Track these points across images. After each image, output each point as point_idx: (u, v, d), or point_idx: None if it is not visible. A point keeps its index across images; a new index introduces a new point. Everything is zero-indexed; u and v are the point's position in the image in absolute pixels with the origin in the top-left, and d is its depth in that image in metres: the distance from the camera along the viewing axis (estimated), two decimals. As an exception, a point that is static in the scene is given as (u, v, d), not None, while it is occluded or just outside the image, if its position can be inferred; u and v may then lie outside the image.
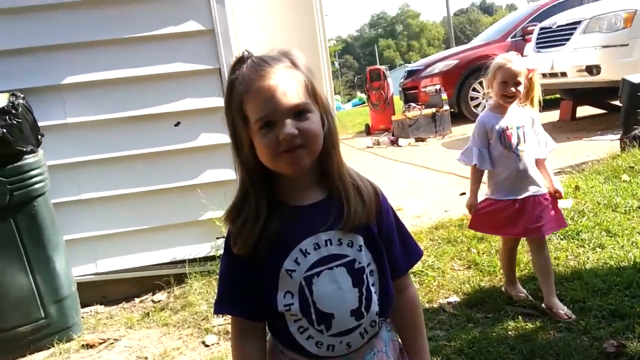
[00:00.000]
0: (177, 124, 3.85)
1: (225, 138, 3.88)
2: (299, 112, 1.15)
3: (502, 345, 2.54)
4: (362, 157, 8.58)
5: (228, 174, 3.90)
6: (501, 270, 3.21)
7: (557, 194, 2.79)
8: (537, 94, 2.78)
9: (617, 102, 7.99)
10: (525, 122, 2.74)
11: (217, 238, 3.91)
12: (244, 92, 1.15)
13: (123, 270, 3.89)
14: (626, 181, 4.29)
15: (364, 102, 22.63)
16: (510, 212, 2.75)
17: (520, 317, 2.76)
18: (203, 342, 3.10)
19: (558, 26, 7.63)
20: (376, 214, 1.26)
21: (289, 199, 1.22)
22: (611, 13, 6.79)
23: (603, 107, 8.44)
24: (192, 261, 3.89)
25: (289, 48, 1.23)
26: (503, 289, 3.06)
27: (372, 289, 1.24)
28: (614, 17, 6.69)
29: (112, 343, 3.24)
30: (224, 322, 3.27)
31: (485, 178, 2.87)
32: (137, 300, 3.85)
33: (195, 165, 3.88)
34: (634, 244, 3.30)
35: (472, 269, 3.41)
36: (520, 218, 2.73)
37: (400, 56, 78.34)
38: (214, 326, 3.24)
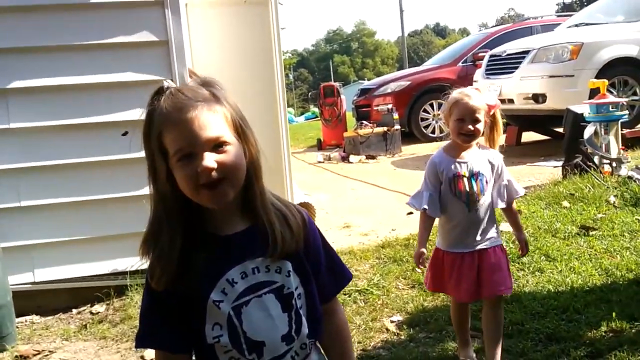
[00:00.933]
0: (125, 134, 3.78)
1: (173, 149, 3.85)
2: (217, 145, 1.14)
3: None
4: (312, 172, 8.61)
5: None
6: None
7: (521, 251, 2.58)
8: (500, 134, 2.48)
9: (560, 130, 8.32)
10: (483, 168, 2.40)
11: (162, 250, 3.85)
12: (162, 124, 1.14)
13: (61, 280, 3.77)
14: (566, 207, 4.44)
15: (317, 116, 22.71)
16: (458, 267, 2.41)
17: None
18: (142, 357, 3.03)
19: (507, 54, 7.87)
20: (304, 240, 1.26)
21: (213, 228, 1.21)
22: (558, 44, 7.06)
23: (547, 134, 8.73)
24: (134, 273, 3.79)
25: (211, 78, 1.24)
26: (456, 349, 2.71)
27: (301, 311, 1.24)
28: (561, 49, 6.95)
29: (47, 355, 3.13)
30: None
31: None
32: (74, 311, 3.73)
33: (142, 176, 3.78)
34: (572, 269, 3.41)
35: (416, 288, 3.45)
36: (468, 275, 2.38)
37: (354, 72, 79.20)
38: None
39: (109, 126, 3.74)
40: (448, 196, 2.40)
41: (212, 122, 1.14)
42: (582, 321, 2.81)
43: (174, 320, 1.17)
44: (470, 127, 2.33)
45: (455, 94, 2.40)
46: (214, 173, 1.12)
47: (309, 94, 34.01)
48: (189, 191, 1.14)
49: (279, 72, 4.52)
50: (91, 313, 3.65)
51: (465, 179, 2.38)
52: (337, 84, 12.09)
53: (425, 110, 9.92)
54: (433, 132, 9.90)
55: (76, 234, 3.77)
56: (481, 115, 2.34)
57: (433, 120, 9.92)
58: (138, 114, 3.76)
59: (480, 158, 2.42)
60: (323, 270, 1.30)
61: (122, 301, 3.66)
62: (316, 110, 24.24)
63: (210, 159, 1.12)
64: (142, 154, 3.80)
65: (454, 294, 2.50)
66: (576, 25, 8.17)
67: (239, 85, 4.39)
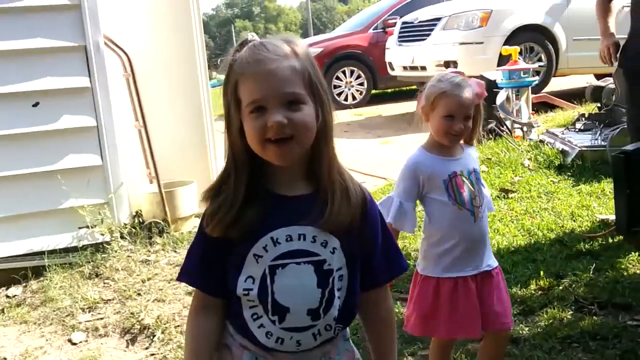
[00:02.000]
0: (36, 105, 3.54)
1: (91, 121, 3.64)
2: (291, 102, 1.12)
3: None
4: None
5: (92, 159, 3.66)
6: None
7: None
8: (480, 127, 2.01)
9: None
10: (476, 164, 1.99)
11: (80, 228, 3.67)
12: (240, 75, 1.14)
13: (-28, 263, 3.50)
14: (485, 172, 4.61)
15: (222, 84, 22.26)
16: (464, 294, 1.89)
17: (398, 302, 2.85)
18: (69, 340, 2.90)
19: (420, 21, 8.00)
20: (361, 220, 1.22)
21: (273, 187, 1.20)
22: (469, 12, 7.25)
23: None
24: (52, 253, 3.62)
25: (293, 36, 1.22)
26: None
27: (337, 293, 1.21)
28: (471, 16, 7.15)
29: (-39, 345, 2.90)
30: (91, 317, 3.06)
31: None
32: (-12, 295, 3.48)
33: (56, 149, 3.59)
34: (496, 231, 3.55)
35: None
36: (474, 304, 1.90)
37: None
38: (80, 322, 3.03)
39: (17, 97, 3.50)
40: (445, 208, 1.89)
41: (289, 78, 1.12)
42: (511, 280, 2.93)
43: (218, 265, 1.20)
44: (462, 125, 1.86)
45: (443, 83, 1.87)
46: (284, 129, 1.11)
47: (219, 61, 33.08)
48: (256, 144, 1.14)
49: (198, 32, 4.30)
50: (7, 296, 3.43)
51: (464, 178, 1.91)
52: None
53: (337, 78, 9.93)
54: (346, 99, 9.95)
55: (-15, 214, 3.50)
56: (472, 110, 1.89)
57: (346, 87, 9.96)
58: (49, 83, 3.55)
59: (468, 154, 1.98)
60: (377, 254, 1.26)
61: (40, 283, 3.46)
62: (221, 77, 23.76)
63: (282, 115, 1.11)
64: (56, 126, 3.55)
65: (450, 330, 1.92)
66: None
67: (158, 54, 4.17)
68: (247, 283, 1.18)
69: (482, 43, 7.01)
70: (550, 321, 2.55)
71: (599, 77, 7.52)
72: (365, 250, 1.24)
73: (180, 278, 1.27)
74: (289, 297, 1.18)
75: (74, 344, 2.86)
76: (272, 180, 1.20)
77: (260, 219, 1.16)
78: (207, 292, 1.24)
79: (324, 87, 1.19)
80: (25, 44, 3.46)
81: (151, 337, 2.82)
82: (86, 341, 2.88)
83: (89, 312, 3.13)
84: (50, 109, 3.55)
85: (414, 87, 9.59)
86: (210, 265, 1.21)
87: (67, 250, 3.65)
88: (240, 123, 1.16)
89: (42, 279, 3.48)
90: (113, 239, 3.67)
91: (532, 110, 5.89)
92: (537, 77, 6.06)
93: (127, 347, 2.82)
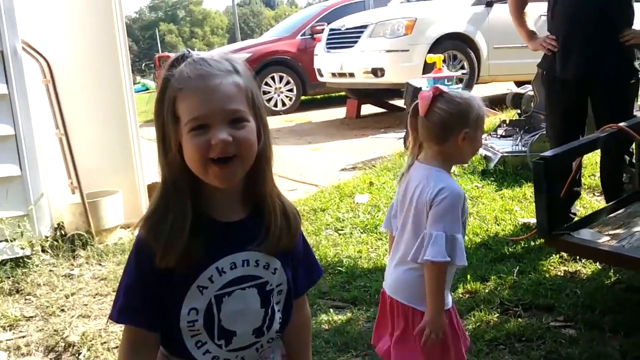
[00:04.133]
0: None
1: (8, 129, 3.47)
2: (235, 119, 1.09)
3: (318, 339, 2.61)
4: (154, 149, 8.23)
5: (11, 169, 3.51)
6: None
7: None
8: None
9: (396, 102, 8.77)
10: None
11: (-5, 241, 3.48)
12: (179, 90, 1.08)
13: None
14: (413, 177, 4.70)
15: (147, 89, 21.70)
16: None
17: (331, 310, 2.87)
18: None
19: (347, 28, 8.08)
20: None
21: (213, 212, 1.15)
22: (394, 20, 7.39)
23: (384, 107, 9.16)
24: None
25: (231, 54, 1.19)
26: None
27: (276, 307, 1.23)
28: (397, 24, 7.29)
29: None
30: (12, 336, 2.90)
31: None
32: None
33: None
34: (425, 236, 3.62)
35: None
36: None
37: (183, 42, 76.77)
38: (1, 341, 2.86)
39: None
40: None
41: (234, 94, 1.09)
42: (441, 285, 3.00)
43: (155, 298, 1.14)
44: None
45: (478, 106, 1.78)
46: (228, 148, 1.07)
47: (143, 65, 32.08)
48: (196, 165, 1.09)
49: (121, 35, 4.17)
50: None
51: None
52: (173, 55, 11.61)
53: (267, 84, 9.90)
54: (276, 105, 9.93)
55: None
56: None
57: (275, 93, 9.94)
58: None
59: None
60: (302, 265, 1.29)
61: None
62: (146, 82, 23.15)
63: (226, 132, 1.06)
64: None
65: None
66: (408, 1, 8.61)
67: (79, 60, 4.02)
68: (191, 315, 1.14)
69: (407, 51, 7.16)
70: (478, 324, 2.62)
71: (519, 84, 7.85)
72: (296, 264, 1.27)
73: (119, 319, 1.17)
74: (235, 322, 1.17)
75: (-6, 365, 2.72)
76: (210, 204, 1.15)
77: (203, 249, 1.12)
78: (148, 329, 1.16)
79: (264, 107, 1.17)
80: None
81: (76, 355, 2.70)
82: (7, 362, 2.73)
83: (10, 330, 2.97)
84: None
85: (343, 93, 9.70)
86: (149, 300, 1.14)
87: (-18, 265, 3.45)
88: (178, 141, 1.10)
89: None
90: (34, 252, 3.51)
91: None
92: (460, 85, 6.25)
93: (51, 366, 2.69)
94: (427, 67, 6.61)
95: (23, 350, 2.77)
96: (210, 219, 1.15)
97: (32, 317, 3.06)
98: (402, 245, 1.82)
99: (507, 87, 8.66)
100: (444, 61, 6.83)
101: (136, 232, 1.20)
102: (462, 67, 7.44)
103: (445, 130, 1.75)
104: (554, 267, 3.10)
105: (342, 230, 3.89)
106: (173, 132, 1.10)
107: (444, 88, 1.80)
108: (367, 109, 9.22)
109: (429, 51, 6.93)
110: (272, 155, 1.18)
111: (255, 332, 1.19)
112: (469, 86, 7.47)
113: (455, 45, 7.36)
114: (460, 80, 7.21)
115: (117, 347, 2.65)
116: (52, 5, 3.97)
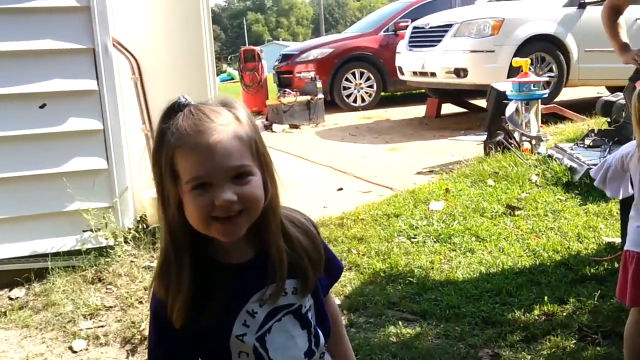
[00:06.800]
0: (43, 106, 3.52)
1: (97, 124, 3.63)
2: (239, 175, 1.05)
3: (385, 353, 2.59)
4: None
5: (99, 162, 3.65)
6: (382, 273, 3.30)
7: None
8: None
9: (476, 102, 8.56)
10: None
11: (84, 231, 3.66)
12: (177, 146, 1.03)
13: (-25, 264, 3.50)
14: (491, 186, 4.57)
15: (233, 78, 22.23)
16: None
17: (400, 322, 2.84)
18: (70, 348, 2.88)
19: (430, 27, 7.95)
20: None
21: (222, 257, 1.13)
22: (480, 19, 7.20)
23: (465, 107, 8.96)
24: (55, 255, 3.59)
25: (230, 97, 1.12)
26: None
27: (313, 323, 1.22)
28: (483, 24, 7.09)
29: (-38, 347, 2.90)
30: (92, 325, 3.05)
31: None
32: (-9, 297, 3.48)
33: (62, 151, 3.57)
34: (501, 250, 3.52)
35: (353, 271, 3.45)
36: None
37: (268, 32, 77.99)
38: (81, 329, 3.01)
39: (24, 98, 3.47)
40: None
41: (236, 149, 1.04)
42: (515, 304, 2.90)
43: (189, 356, 1.14)
44: None
45: None
46: (233, 207, 1.03)
47: (229, 58, 32.84)
48: (198, 223, 1.05)
49: (208, 36, 4.26)
50: (10, 298, 3.42)
51: None
52: (257, 49, 11.80)
53: (347, 79, 9.90)
54: (355, 101, 9.91)
55: (-10, 215, 3.50)
56: None
57: (355, 89, 9.92)
58: (56, 85, 3.54)
59: None
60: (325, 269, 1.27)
61: (43, 286, 3.44)
62: (232, 72, 23.73)
63: (231, 191, 1.03)
64: (63, 128, 3.54)
65: None
66: (496, 0, 8.35)
67: (164, 55, 4.14)
68: (242, 358, 1.13)
69: (493, 51, 6.96)
70: (553, 350, 2.52)
71: (611, 89, 7.46)
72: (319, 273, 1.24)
73: None
74: (285, 352, 1.16)
75: (75, 352, 2.85)
76: (218, 250, 1.13)
77: (227, 296, 1.10)
78: None
79: (269, 155, 1.13)
80: (33, 45, 3.43)
81: (151, 349, 2.80)
82: (87, 349, 2.86)
83: (91, 319, 3.12)
84: (57, 111, 3.54)
85: (423, 90, 9.56)
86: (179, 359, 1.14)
87: (70, 254, 3.63)
88: (178, 197, 1.06)
89: (44, 281, 3.46)
90: (117, 243, 3.66)
91: (542, 120, 5.85)
92: (547, 90, 6.01)
93: (128, 357, 2.80)
94: (513, 70, 6.40)
95: (102, 340, 2.90)
96: (223, 264, 1.13)
97: (111, 307, 3.21)
98: None
99: (597, 91, 8.26)
100: (531, 63, 6.60)
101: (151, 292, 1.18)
102: (550, 70, 7.16)
103: None
104: (639, 294, 2.93)
105: (414, 238, 3.83)
106: (172, 188, 1.06)
107: None
108: (448, 108, 9.04)
109: (516, 52, 6.71)
110: (278, 204, 1.14)
111: (307, 354, 1.19)
112: (556, 89, 7.19)
113: (544, 47, 7.09)
114: (547, 84, 6.95)
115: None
116: (141, 3, 4.11)
